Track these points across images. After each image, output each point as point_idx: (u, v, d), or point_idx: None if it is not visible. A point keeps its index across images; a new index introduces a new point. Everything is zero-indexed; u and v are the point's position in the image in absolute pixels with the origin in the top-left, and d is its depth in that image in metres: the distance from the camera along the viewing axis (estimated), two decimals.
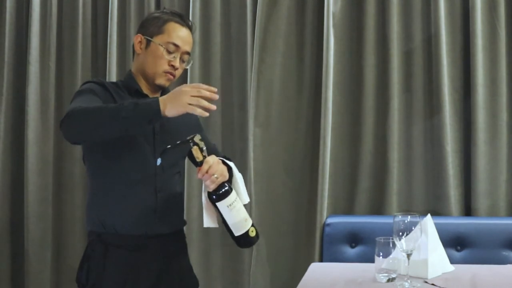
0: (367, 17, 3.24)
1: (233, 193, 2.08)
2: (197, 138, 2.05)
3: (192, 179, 3.34)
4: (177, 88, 1.94)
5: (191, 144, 2.05)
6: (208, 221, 2.14)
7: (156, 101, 1.91)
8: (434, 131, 3.18)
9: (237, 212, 2.09)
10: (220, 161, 2.10)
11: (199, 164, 2.05)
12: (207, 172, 2.02)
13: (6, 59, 3.67)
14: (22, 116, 3.63)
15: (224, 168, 2.09)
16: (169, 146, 2.11)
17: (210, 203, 2.12)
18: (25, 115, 3.61)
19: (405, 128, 3.23)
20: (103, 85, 2.16)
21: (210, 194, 2.07)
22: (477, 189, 3.12)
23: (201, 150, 2.05)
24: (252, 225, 2.12)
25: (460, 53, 3.19)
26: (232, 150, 3.43)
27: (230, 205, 2.07)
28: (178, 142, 2.06)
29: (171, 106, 1.90)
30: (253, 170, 3.28)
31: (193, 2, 3.41)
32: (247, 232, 2.11)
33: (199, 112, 1.91)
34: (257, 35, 3.28)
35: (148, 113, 1.91)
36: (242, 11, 3.42)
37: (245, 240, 2.12)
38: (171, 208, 2.21)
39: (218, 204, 2.06)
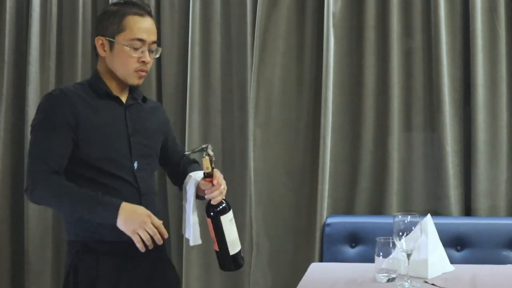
0: (367, 17, 3.24)
1: (231, 210, 2.07)
2: (209, 149, 2.02)
3: None
4: (138, 210, 1.95)
5: (204, 154, 2.02)
6: (196, 239, 2.13)
7: (115, 215, 1.93)
8: (434, 131, 3.17)
9: (235, 228, 2.07)
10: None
11: (206, 175, 2.03)
12: (218, 182, 2.02)
13: (6, 59, 3.67)
14: (22, 116, 3.63)
15: None
16: (187, 153, 2.15)
17: (195, 221, 2.09)
18: (25, 115, 3.60)
19: (405, 128, 3.22)
20: (64, 100, 2.03)
21: (213, 208, 2.04)
22: (477, 189, 3.12)
23: (211, 161, 2.02)
24: None
25: (460, 53, 3.19)
26: (232, 150, 3.43)
27: (231, 219, 2.05)
28: (192, 150, 2.08)
29: (123, 224, 1.93)
30: (253, 170, 3.27)
31: (193, 2, 3.41)
32: (240, 251, 2.10)
33: (139, 245, 1.93)
34: (257, 35, 3.28)
35: (104, 219, 1.96)
36: (242, 11, 3.42)
37: (237, 259, 2.09)
38: (154, 210, 2.15)
39: (222, 217, 2.03)
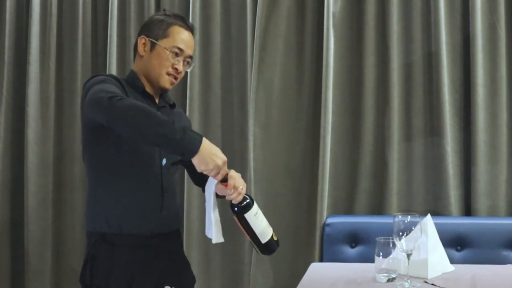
0: (367, 17, 3.24)
1: (255, 202, 2.11)
2: None
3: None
4: (214, 148, 1.96)
5: None
6: (218, 237, 2.12)
7: (199, 142, 1.92)
8: (434, 131, 3.17)
9: (262, 218, 2.11)
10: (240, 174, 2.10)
11: (221, 181, 2.03)
12: (234, 186, 2.03)
13: (6, 59, 3.67)
14: (22, 116, 3.63)
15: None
16: None
17: (217, 218, 2.09)
18: (25, 115, 3.61)
19: (405, 128, 3.23)
20: (118, 80, 2.15)
21: (235, 206, 2.06)
22: (477, 189, 3.12)
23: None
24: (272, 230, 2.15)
25: (460, 53, 3.19)
26: (232, 150, 3.43)
27: (256, 213, 2.09)
28: None
29: (204, 157, 1.93)
30: (253, 170, 3.28)
31: (193, 2, 3.41)
32: (272, 237, 2.13)
33: (216, 177, 1.98)
34: (257, 35, 3.28)
35: (188, 147, 1.91)
36: (242, 11, 3.42)
37: (271, 245, 2.13)
38: (174, 207, 2.23)
39: (246, 214, 2.06)
